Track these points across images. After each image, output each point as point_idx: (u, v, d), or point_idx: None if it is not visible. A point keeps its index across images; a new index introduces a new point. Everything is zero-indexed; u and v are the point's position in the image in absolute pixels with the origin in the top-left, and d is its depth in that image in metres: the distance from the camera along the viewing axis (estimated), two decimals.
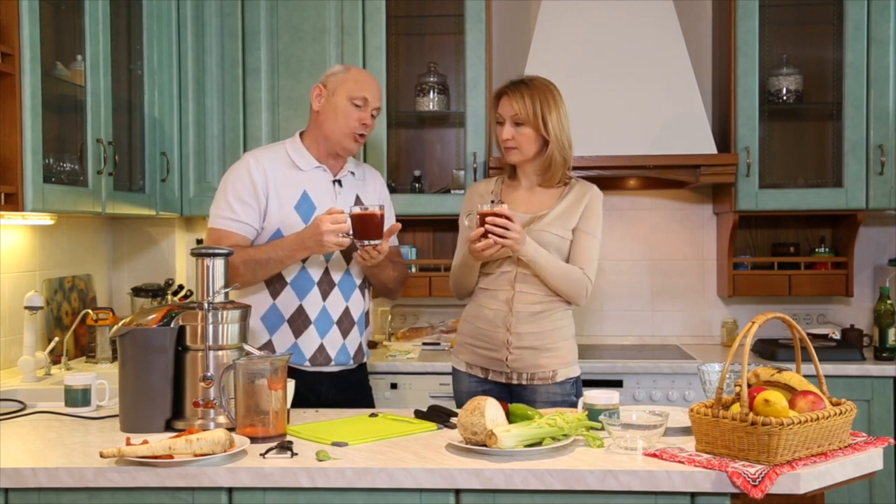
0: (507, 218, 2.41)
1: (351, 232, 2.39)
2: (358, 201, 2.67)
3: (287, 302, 2.56)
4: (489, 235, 2.41)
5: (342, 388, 2.65)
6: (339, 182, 2.65)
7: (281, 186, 2.54)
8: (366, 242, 2.40)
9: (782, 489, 1.74)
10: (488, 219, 2.40)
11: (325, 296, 2.59)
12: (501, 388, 2.63)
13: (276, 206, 2.54)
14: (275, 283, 2.55)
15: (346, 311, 2.63)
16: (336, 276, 2.61)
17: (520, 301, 2.59)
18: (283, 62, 3.55)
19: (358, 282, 2.67)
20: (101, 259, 3.70)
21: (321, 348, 2.59)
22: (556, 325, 2.61)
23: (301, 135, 2.67)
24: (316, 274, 2.57)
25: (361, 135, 2.59)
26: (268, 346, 2.55)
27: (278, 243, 2.47)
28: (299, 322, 2.56)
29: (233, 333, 2.15)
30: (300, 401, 2.44)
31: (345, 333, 2.63)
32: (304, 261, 2.54)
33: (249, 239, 2.54)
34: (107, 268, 3.75)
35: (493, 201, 2.63)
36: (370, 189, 2.73)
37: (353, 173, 2.70)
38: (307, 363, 2.58)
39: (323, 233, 2.35)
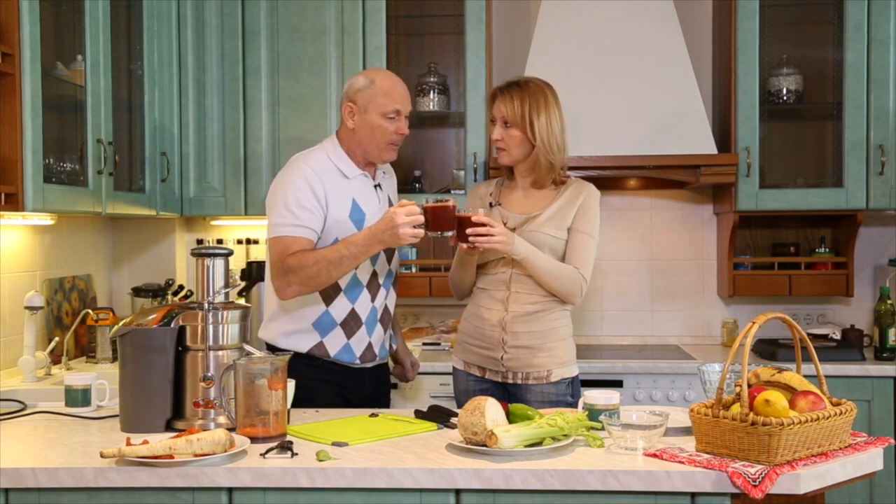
0: (483, 224, 2.42)
1: (424, 224, 2.39)
2: (389, 201, 2.71)
3: (340, 307, 2.57)
4: (473, 241, 2.42)
5: (376, 381, 2.71)
6: (380, 186, 2.67)
7: (335, 196, 2.53)
8: (439, 234, 2.41)
9: (782, 489, 1.74)
10: (469, 230, 2.42)
11: (373, 297, 2.62)
12: (498, 388, 2.65)
13: (333, 216, 2.52)
14: (329, 290, 2.54)
15: (386, 308, 2.68)
16: (381, 277, 2.64)
17: (515, 301, 2.60)
18: (283, 62, 3.55)
19: (393, 278, 2.72)
20: (101, 259, 3.70)
21: (369, 346, 2.63)
22: (551, 325, 2.61)
23: (338, 136, 2.64)
24: (364, 277, 2.59)
25: (397, 143, 2.61)
26: (320, 347, 2.56)
27: (349, 240, 2.43)
28: (352, 324, 2.58)
29: (233, 334, 2.15)
30: (346, 397, 2.55)
31: (385, 328, 2.69)
32: (356, 267, 2.54)
33: (314, 244, 2.51)
34: (107, 268, 3.75)
35: (491, 203, 2.66)
36: (391, 188, 2.77)
37: (384, 173, 2.74)
38: (357, 361, 2.61)
39: (398, 225, 2.33)
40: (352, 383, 2.61)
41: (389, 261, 2.67)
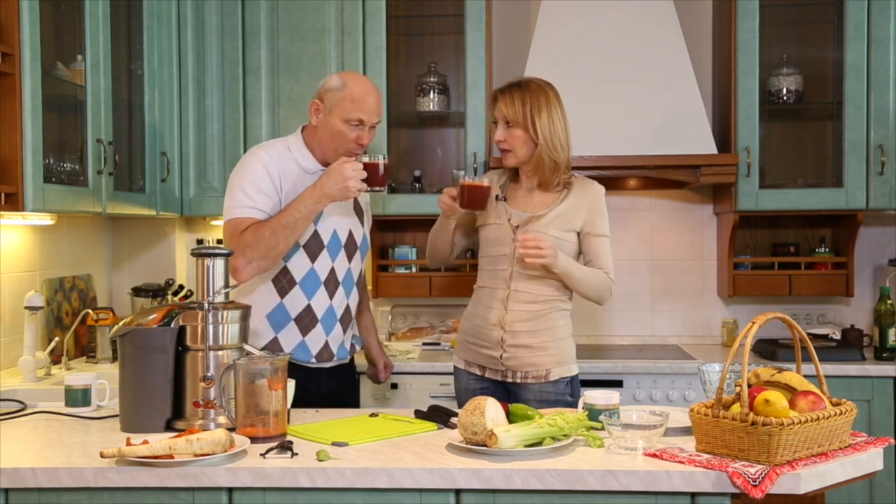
0: (486, 190, 2.54)
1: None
2: (356, 201, 2.69)
3: (295, 301, 2.55)
4: (523, 255, 2.48)
5: (338, 382, 2.69)
6: None
7: (293, 187, 2.53)
8: (375, 188, 2.49)
9: (782, 489, 1.74)
10: (521, 248, 2.47)
11: (331, 295, 2.60)
12: (498, 386, 2.66)
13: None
14: (283, 282, 2.55)
15: (347, 308, 2.66)
16: (340, 275, 2.62)
17: (515, 300, 2.61)
18: (283, 62, 3.55)
19: (356, 278, 2.69)
20: (101, 259, 3.70)
21: (326, 345, 2.60)
22: (551, 325, 2.63)
23: (303, 132, 2.65)
24: (322, 274, 2.57)
25: (356, 153, 2.59)
26: (274, 344, 2.55)
27: (299, 201, 2.44)
28: (307, 321, 2.57)
29: (233, 333, 2.15)
30: (302, 397, 2.46)
31: (345, 329, 2.67)
32: (312, 261, 2.55)
33: None
34: (107, 268, 3.75)
35: (497, 196, 2.69)
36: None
37: None
38: (313, 360, 2.59)
39: (349, 178, 2.39)
40: (309, 384, 2.54)
41: (350, 259, 2.64)
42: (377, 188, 2.50)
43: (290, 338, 2.56)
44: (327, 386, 2.64)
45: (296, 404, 2.42)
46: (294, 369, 2.49)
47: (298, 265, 2.54)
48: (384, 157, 2.51)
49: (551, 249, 2.48)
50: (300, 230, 2.46)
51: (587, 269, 2.60)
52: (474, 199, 2.56)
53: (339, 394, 2.69)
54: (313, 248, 2.55)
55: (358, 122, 2.54)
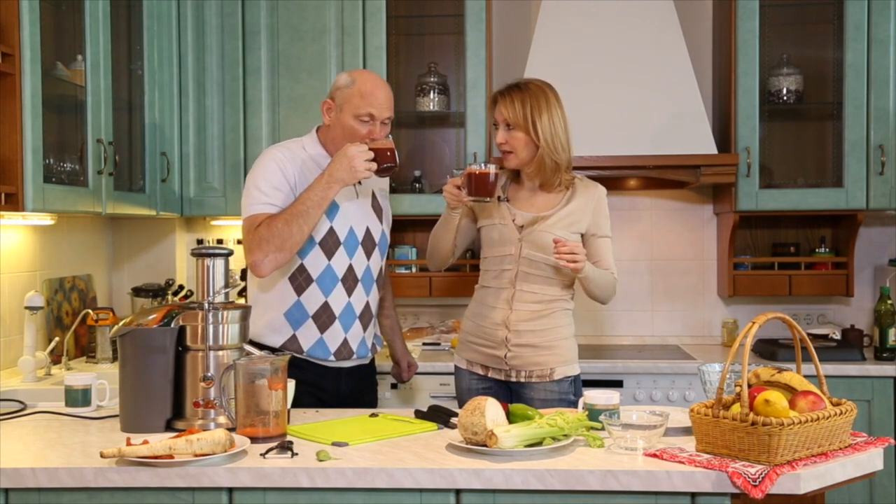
0: (493, 177, 2.51)
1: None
2: (374, 198, 2.69)
3: (312, 298, 2.55)
4: (558, 259, 2.47)
5: (357, 381, 2.68)
6: (359, 181, 2.65)
7: (306, 181, 2.52)
8: (385, 165, 2.46)
9: (783, 489, 1.74)
10: (556, 252, 2.45)
11: (349, 292, 2.59)
12: (501, 386, 2.67)
13: None
14: (300, 280, 2.54)
15: (367, 306, 2.65)
16: (359, 272, 2.61)
17: (520, 300, 2.62)
18: (283, 62, 3.55)
19: (375, 276, 2.68)
20: (101, 259, 3.70)
21: (345, 343, 2.59)
22: (555, 324, 2.63)
23: (318, 132, 2.65)
24: (340, 270, 2.57)
25: None
26: (293, 341, 2.54)
27: (310, 189, 2.43)
28: (325, 318, 2.56)
29: (233, 333, 2.15)
30: (320, 397, 2.49)
31: (365, 327, 2.65)
32: (329, 258, 2.55)
33: None
34: (107, 268, 3.75)
35: (500, 197, 2.68)
36: (376, 181, 2.72)
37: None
38: (332, 357, 2.58)
39: (353, 157, 2.39)
40: (327, 383, 2.57)
41: (368, 256, 2.63)
42: (387, 166, 2.46)
43: (308, 335, 2.55)
44: (346, 385, 2.63)
45: (314, 404, 2.45)
46: (313, 367, 2.53)
47: (314, 262, 2.54)
48: (389, 138, 2.49)
49: (584, 255, 2.49)
50: (314, 219, 2.44)
51: (600, 272, 2.62)
52: (482, 187, 2.53)
53: (358, 394, 2.67)
54: (329, 244, 2.54)
55: (369, 117, 2.53)
